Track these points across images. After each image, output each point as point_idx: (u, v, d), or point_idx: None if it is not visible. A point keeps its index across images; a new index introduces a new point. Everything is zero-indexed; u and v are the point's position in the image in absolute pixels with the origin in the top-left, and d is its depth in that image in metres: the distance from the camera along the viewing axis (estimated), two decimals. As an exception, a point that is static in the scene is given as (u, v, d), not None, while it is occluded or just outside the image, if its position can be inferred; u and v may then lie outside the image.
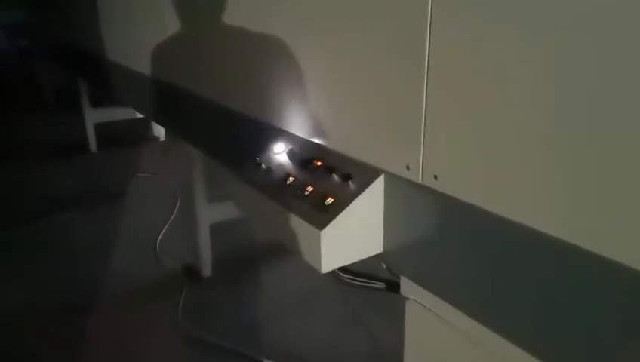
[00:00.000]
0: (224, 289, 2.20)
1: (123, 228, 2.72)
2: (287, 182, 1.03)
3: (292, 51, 1.10)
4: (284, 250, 1.03)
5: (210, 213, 2.19)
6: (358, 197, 0.89)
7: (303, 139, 1.12)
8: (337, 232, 0.89)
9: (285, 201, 0.99)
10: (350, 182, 0.92)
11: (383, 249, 0.95)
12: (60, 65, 4.40)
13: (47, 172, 3.58)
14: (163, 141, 4.35)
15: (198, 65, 1.59)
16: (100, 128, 4.06)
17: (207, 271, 2.25)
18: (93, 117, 4.03)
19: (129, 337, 1.89)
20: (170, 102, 1.88)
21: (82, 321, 1.96)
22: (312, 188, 0.97)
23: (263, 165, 1.11)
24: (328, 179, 0.96)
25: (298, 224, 0.94)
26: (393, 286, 0.99)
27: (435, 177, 0.80)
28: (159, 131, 4.38)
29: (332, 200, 0.91)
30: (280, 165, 1.09)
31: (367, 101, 0.91)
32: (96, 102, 4.02)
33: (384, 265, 1.00)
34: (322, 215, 0.90)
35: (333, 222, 0.87)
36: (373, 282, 1.04)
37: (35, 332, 1.92)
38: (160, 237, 2.57)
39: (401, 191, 0.87)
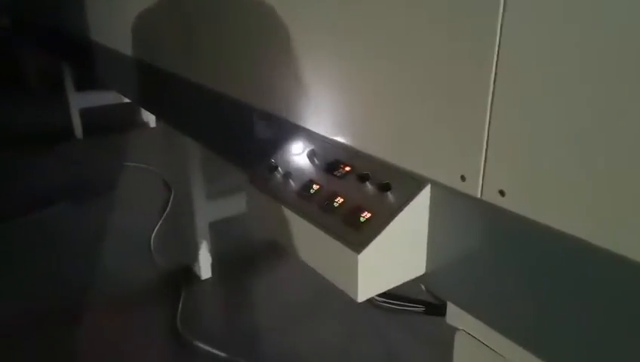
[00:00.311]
0: (224, 292, 2.06)
1: (113, 224, 2.55)
2: (311, 191, 0.87)
3: (314, 26, 0.92)
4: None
5: (209, 210, 2.03)
6: (401, 213, 0.74)
7: (324, 137, 0.96)
8: (377, 255, 0.74)
9: (311, 214, 0.84)
10: (389, 193, 0.77)
11: (425, 270, 0.81)
12: (42, 46, 4.15)
13: (29, 161, 3.36)
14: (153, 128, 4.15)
15: (195, 45, 1.41)
16: (85, 113, 3.85)
17: (205, 272, 2.11)
18: (78, 101, 3.81)
19: (121, 343, 1.75)
20: (163, 87, 1.70)
21: (70, 325, 1.82)
22: (342, 200, 0.82)
23: (279, 168, 0.95)
24: (361, 188, 0.82)
25: (328, 243, 0.79)
26: (433, 310, 0.85)
27: (502, 193, 0.65)
28: (149, 117, 4.17)
29: (369, 215, 0.77)
30: (300, 169, 0.94)
31: (411, 91, 0.75)
32: (82, 86, 3.80)
33: (423, 287, 0.87)
34: (358, 233, 0.76)
35: (372, 244, 0.73)
36: (411, 306, 0.90)
37: (19, 337, 1.77)
38: (154, 234, 2.41)
39: (453, 205, 0.73)
